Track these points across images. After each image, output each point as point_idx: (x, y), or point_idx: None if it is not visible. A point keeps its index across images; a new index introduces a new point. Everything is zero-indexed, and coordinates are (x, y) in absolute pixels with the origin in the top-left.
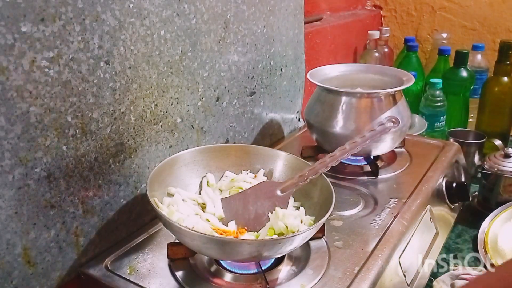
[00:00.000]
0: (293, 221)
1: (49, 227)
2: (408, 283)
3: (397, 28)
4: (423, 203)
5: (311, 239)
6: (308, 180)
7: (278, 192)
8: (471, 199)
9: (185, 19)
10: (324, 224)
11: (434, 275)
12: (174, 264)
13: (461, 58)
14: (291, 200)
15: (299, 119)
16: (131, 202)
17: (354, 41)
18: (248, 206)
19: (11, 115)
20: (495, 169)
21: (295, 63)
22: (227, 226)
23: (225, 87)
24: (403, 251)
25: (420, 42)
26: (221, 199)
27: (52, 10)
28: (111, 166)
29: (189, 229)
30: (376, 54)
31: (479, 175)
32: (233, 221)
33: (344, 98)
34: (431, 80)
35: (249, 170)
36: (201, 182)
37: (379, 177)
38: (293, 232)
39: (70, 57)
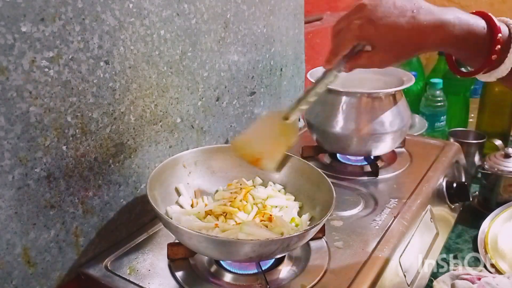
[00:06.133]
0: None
1: (49, 227)
2: (408, 283)
3: None
4: (424, 203)
5: (311, 239)
6: (307, 105)
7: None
8: (471, 199)
9: (185, 19)
10: (324, 224)
11: (434, 275)
12: (174, 264)
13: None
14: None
15: (299, 119)
16: (131, 202)
17: None
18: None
19: (11, 115)
20: (495, 169)
21: (295, 63)
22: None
23: (225, 87)
24: (403, 251)
25: None
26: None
27: (52, 10)
28: (111, 166)
29: (187, 228)
30: None
31: (479, 175)
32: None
33: (344, 98)
34: (431, 80)
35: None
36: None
37: (379, 177)
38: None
39: (70, 57)
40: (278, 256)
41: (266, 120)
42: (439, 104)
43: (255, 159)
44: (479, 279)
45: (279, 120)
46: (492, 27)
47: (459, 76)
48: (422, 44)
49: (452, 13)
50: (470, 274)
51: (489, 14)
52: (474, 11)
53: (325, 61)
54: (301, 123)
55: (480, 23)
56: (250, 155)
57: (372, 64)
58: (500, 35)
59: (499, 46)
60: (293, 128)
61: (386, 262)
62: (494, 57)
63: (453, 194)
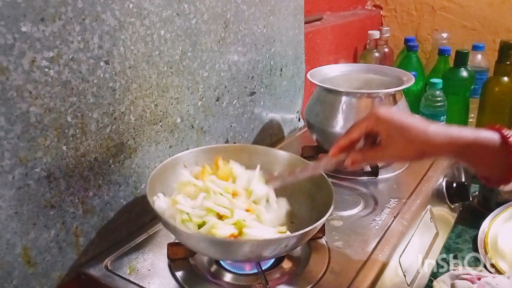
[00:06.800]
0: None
1: (49, 227)
2: (408, 283)
3: (397, 28)
4: (423, 203)
5: (311, 239)
6: (296, 178)
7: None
8: (471, 199)
9: (185, 19)
10: (324, 224)
11: (434, 275)
12: (174, 264)
13: (461, 58)
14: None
15: (299, 119)
16: (131, 202)
17: (354, 41)
18: None
19: (11, 115)
20: None
21: (295, 63)
22: None
23: (225, 87)
24: (403, 251)
25: (420, 42)
26: None
27: (52, 10)
28: (111, 166)
29: (186, 228)
30: (376, 54)
31: None
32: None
33: (344, 98)
34: (431, 80)
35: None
36: None
37: (379, 177)
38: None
39: (70, 57)
40: (278, 256)
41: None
42: (439, 104)
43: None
44: (479, 279)
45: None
46: (503, 135)
47: (490, 185)
48: (430, 145)
49: (455, 127)
50: (470, 274)
51: (498, 126)
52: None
53: (333, 149)
54: (301, 123)
55: (490, 134)
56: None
57: (379, 158)
58: None
59: None
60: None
61: (386, 262)
62: None
63: (453, 194)
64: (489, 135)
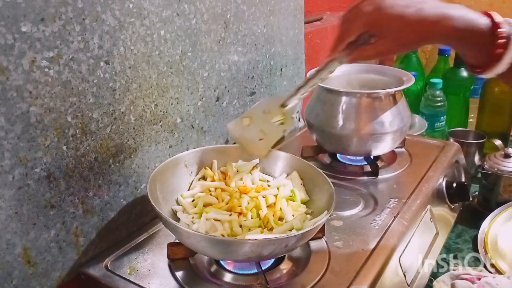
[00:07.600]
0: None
1: (49, 227)
2: (408, 283)
3: None
4: (423, 203)
5: (311, 239)
6: (307, 93)
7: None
8: (471, 199)
9: (185, 19)
10: (324, 224)
11: (434, 275)
12: (174, 264)
13: (461, 58)
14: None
15: (299, 119)
16: (131, 202)
17: None
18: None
19: (11, 115)
20: (495, 169)
21: (295, 63)
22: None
23: (225, 87)
24: (403, 251)
25: None
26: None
27: (52, 10)
28: (111, 166)
29: (186, 228)
30: None
31: (479, 175)
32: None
33: (344, 98)
34: (431, 80)
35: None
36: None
37: (379, 177)
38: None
39: (70, 57)
40: (278, 256)
41: (264, 106)
42: (439, 104)
43: (249, 144)
44: (479, 279)
45: (276, 107)
46: (494, 23)
47: (471, 72)
48: (426, 34)
49: (457, 9)
50: (470, 274)
51: (492, 12)
52: (480, 11)
53: (331, 49)
54: (301, 123)
55: (483, 20)
56: (244, 139)
57: (377, 54)
58: (501, 30)
59: (503, 40)
60: (289, 116)
61: (386, 262)
62: (498, 51)
63: (453, 194)
64: (482, 21)
